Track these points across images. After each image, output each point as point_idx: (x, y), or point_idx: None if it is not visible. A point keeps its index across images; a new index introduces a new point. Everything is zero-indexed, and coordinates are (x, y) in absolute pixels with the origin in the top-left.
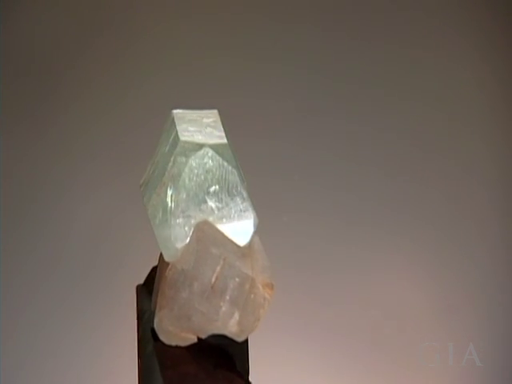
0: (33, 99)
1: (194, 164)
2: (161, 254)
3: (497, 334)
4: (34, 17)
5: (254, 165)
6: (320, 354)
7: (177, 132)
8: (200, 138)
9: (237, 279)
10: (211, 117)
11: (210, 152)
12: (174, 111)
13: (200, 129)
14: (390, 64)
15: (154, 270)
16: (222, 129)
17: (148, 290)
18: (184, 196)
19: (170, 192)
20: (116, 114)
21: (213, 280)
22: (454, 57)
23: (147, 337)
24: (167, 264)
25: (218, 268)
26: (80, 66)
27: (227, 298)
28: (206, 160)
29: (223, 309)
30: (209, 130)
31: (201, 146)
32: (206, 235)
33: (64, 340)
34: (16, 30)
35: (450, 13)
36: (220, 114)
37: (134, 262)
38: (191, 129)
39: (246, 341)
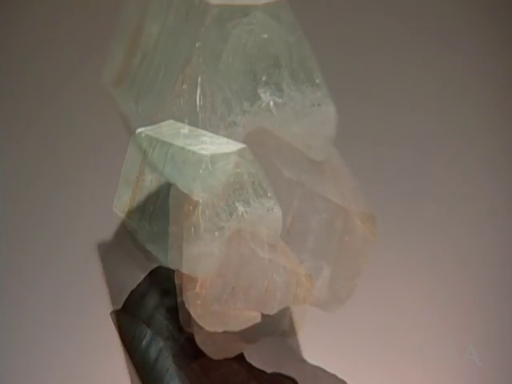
0: (33, 99)
1: (224, 175)
2: (176, 273)
3: (497, 334)
4: (34, 17)
5: None
6: (320, 354)
7: (188, 150)
8: (214, 148)
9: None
10: (183, 127)
11: (236, 159)
12: (141, 130)
13: (196, 140)
14: (390, 64)
15: (133, 293)
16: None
17: (130, 314)
18: (218, 210)
19: (200, 209)
20: (117, 116)
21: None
22: (454, 56)
23: (150, 360)
24: (192, 280)
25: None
26: (82, 67)
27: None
28: (234, 168)
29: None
30: (205, 138)
31: (227, 155)
32: (246, 238)
33: (64, 338)
34: (16, 30)
35: (451, 12)
36: None
37: (134, 262)
38: (187, 142)
39: None
